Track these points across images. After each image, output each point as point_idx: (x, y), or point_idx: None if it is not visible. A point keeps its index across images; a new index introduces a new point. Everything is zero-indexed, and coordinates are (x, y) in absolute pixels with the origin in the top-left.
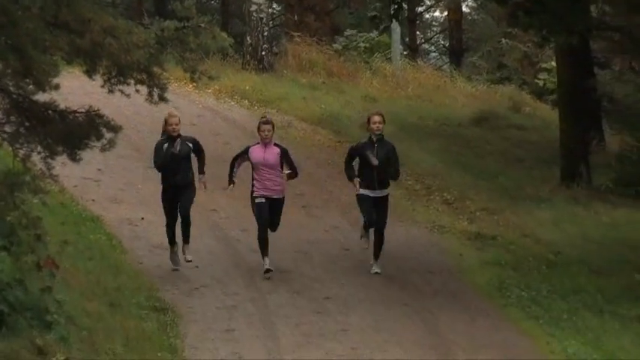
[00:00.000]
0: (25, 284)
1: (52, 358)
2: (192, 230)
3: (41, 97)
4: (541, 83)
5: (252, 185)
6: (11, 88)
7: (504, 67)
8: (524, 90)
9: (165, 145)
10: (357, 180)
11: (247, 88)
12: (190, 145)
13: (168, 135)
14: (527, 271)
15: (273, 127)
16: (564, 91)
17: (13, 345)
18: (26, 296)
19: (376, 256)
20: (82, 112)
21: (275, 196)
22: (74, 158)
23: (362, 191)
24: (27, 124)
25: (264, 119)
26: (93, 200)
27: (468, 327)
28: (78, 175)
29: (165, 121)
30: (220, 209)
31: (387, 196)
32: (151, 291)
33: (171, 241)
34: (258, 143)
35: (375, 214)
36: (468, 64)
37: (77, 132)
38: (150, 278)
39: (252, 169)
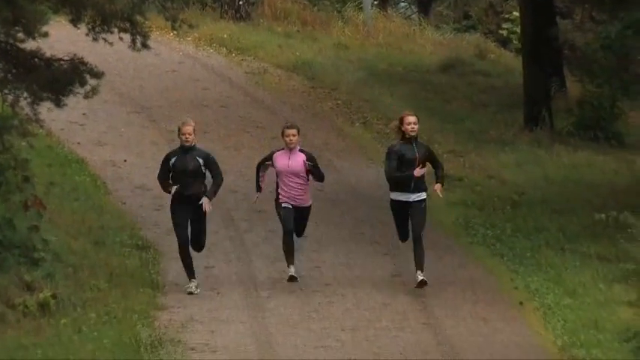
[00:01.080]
0: (14, 223)
1: (39, 293)
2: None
3: (28, 45)
4: (505, 33)
5: (277, 193)
6: (0, 37)
7: (470, 16)
8: (489, 38)
9: (173, 160)
10: (417, 169)
11: (225, 36)
12: (200, 160)
13: (181, 145)
14: (492, 210)
15: (298, 132)
16: (527, 40)
17: (2, 281)
18: (14, 235)
19: (419, 266)
20: (66, 60)
21: (301, 205)
22: (58, 104)
23: (393, 196)
24: (14, 70)
25: (289, 124)
26: (78, 143)
27: (435, 264)
28: (64, 119)
29: (179, 130)
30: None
31: (424, 200)
32: (134, 230)
33: (190, 270)
34: (283, 149)
35: (408, 226)
36: (435, 14)
37: (62, 79)
38: (132, 218)
39: (277, 175)
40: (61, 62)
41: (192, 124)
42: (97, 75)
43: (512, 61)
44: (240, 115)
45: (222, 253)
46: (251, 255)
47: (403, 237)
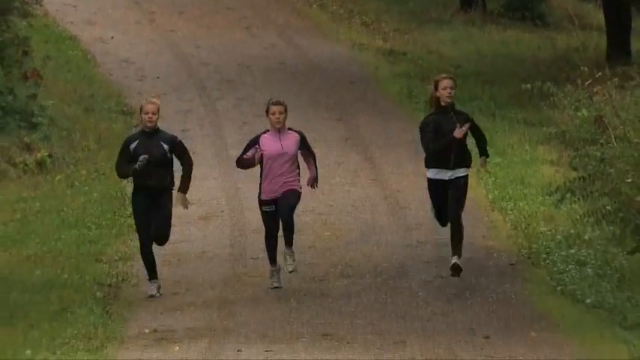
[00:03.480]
0: (15, 92)
1: (37, 153)
2: (147, 48)
3: None
4: None
5: (260, 185)
6: None
7: None
8: None
9: (134, 145)
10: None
11: None
12: (166, 146)
13: (142, 128)
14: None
15: (285, 109)
16: None
17: (5, 142)
18: (15, 102)
19: (456, 250)
20: None
21: (289, 187)
22: None
23: (430, 174)
24: None
25: (274, 100)
26: (71, 22)
27: (382, 127)
28: (58, 2)
29: (141, 109)
30: (178, 29)
31: (465, 177)
32: (120, 98)
33: (152, 271)
34: (267, 131)
35: (446, 207)
36: None
37: None
38: (118, 87)
39: (262, 165)
40: None
41: (157, 102)
42: None
43: None
44: None
45: (196, 118)
46: (222, 119)
47: (442, 221)
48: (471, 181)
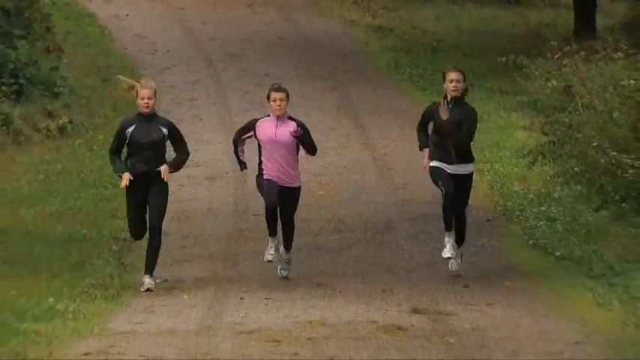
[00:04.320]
0: (39, 64)
1: (58, 119)
2: (159, 24)
3: None
4: None
5: (260, 168)
6: None
7: None
8: None
9: (131, 129)
10: (426, 150)
11: None
12: (165, 130)
13: (139, 112)
14: (417, 54)
15: (287, 96)
16: None
17: (30, 110)
18: (39, 73)
19: (459, 241)
20: None
21: (289, 185)
22: None
23: (435, 163)
24: None
25: (276, 85)
26: (90, 1)
27: (372, 96)
28: None
29: (136, 93)
30: (186, 7)
31: (469, 174)
32: (133, 69)
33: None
34: (268, 116)
35: (453, 184)
36: None
37: None
38: (132, 60)
39: (259, 147)
40: None
41: (153, 86)
42: None
43: None
44: None
45: (203, 88)
46: (226, 89)
47: (448, 187)
48: None
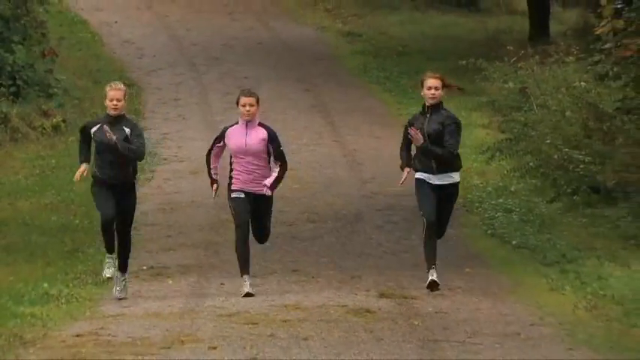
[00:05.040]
0: (35, 67)
1: (53, 118)
2: (145, 30)
3: None
4: None
5: (230, 177)
6: None
7: None
8: None
9: (95, 129)
10: (406, 170)
11: None
12: (127, 130)
13: (107, 114)
14: (384, 58)
15: (257, 101)
16: None
17: (26, 109)
18: (35, 75)
19: (431, 260)
20: None
21: (260, 193)
22: None
23: (419, 174)
24: None
25: (246, 90)
26: (82, 9)
27: (342, 96)
28: None
29: (105, 95)
30: (171, 15)
31: (454, 185)
32: (122, 72)
33: (111, 248)
34: (236, 123)
35: (435, 210)
36: None
37: None
38: (121, 63)
39: (231, 156)
40: None
41: (122, 88)
42: None
43: None
44: None
45: (186, 89)
46: (208, 91)
47: (430, 216)
48: None
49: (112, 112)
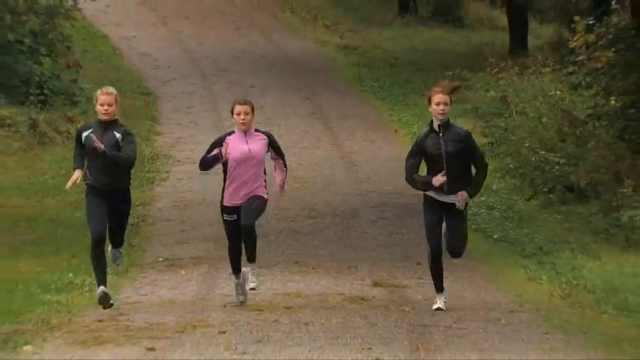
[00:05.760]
0: (60, 77)
1: (77, 124)
2: (161, 44)
3: None
4: None
5: (223, 190)
6: None
7: None
8: None
9: (86, 134)
10: (439, 176)
11: None
12: (118, 135)
13: (98, 119)
14: (377, 69)
15: (252, 110)
16: None
17: (53, 116)
18: (61, 85)
19: (438, 288)
20: None
21: (251, 195)
22: None
23: (429, 192)
24: None
25: (240, 99)
26: (103, 25)
27: (339, 104)
28: (93, 8)
29: (96, 99)
30: (184, 30)
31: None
32: (140, 82)
33: (101, 276)
34: (233, 132)
35: (443, 235)
36: None
37: None
38: (139, 74)
39: (226, 169)
40: None
41: (114, 92)
42: None
43: None
44: (209, 4)
45: (198, 97)
46: (217, 99)
47: (434, 246)
48: (406, 144)
49: (103, 117)
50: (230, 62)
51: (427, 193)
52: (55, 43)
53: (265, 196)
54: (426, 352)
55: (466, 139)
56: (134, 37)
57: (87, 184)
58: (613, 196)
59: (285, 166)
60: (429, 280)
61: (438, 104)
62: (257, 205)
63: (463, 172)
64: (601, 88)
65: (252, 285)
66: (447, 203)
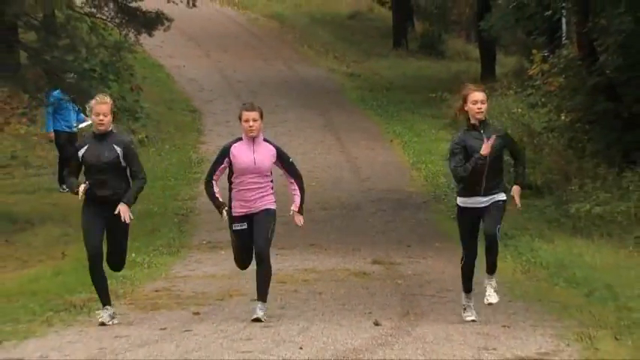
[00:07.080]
0: (125, 98)
1: (138, 135)
2: (205, 72)
3: (132, 3)
4: None
5: (230, 200)
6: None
7: None
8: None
9: (82, 152)
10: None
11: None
12: (118, 150)
13: (93, 131)
14: (376, 92)
15: (261, 116)
16: (394, 2)
17: (119, 127)
18: (125, 104)
19: (490, 270)
20: (153, 11)
21: (260, 208)
22: (150, 35)
23: (460, 201)
24: (126, 17)
25: (248, 104)
26: (159, 56)
27: (346, 119)
28: (152, 43)
29: (91, 109)
30: (223, 60)
31: (503, 200)
32: (188, 101)
33: (103, 294)
34: (240, 139)
35: (476, 249)
36: None
37: (151, 21)
38: (187, 95)
39: (231, 177)
40: (151, 12)
41: (108, 101)
42: (169, 20)
43: (386, 12)
44: (242, 40)
45: (234, 114)
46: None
47: (469, 257)
48: (399, 152)
49: (100, 129)
50: (259, 86)
51: (462, 204)
52: (121, 71)
53: (274, 207)
54: (415, 316)
55: (504, 134)
56: (184, 66)
57: (85, 199)
58: (563, 192)
59: (303, 190)
60: (417, 259)
61: (474, 102)
62: (272, 229)
63: (500, 169)
64: (553, 107)
65: (259, 315)
66: (480, 209)
